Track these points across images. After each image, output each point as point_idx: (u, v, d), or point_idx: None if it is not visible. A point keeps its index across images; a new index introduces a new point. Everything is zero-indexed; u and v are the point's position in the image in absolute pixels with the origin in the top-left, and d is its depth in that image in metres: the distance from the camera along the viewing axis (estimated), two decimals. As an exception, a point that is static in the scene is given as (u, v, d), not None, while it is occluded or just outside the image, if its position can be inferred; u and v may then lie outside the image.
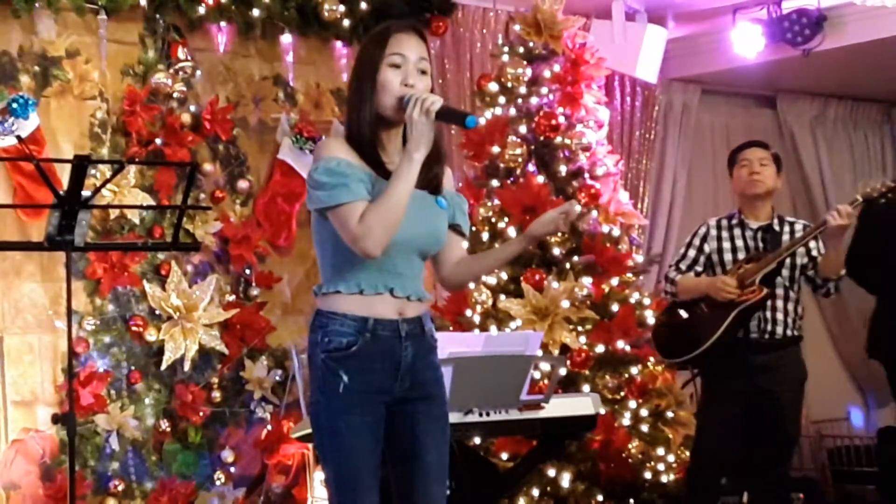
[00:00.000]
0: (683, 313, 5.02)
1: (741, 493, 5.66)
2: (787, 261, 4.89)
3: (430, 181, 3.09)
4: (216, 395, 5.99)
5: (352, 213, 2.93)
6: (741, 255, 4.97)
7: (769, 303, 4.87)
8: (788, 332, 4.94)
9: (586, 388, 5.86)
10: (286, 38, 6.42)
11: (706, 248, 5.07)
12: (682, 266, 5.08)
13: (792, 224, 5.04)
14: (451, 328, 6.03)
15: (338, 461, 3.01)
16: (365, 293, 3.01)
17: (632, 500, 5.81)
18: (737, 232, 5.03)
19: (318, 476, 5.74)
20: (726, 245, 5.03)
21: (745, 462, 5.01)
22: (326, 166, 2.97)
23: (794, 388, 4.96)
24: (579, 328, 6.00)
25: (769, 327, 4.90)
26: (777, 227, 5.00)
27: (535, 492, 5.75)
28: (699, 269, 5.06)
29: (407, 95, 2.98)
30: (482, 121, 6.36)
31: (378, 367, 3.02)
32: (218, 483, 5.92)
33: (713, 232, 5.08)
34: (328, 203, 2.95)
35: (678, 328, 5.07)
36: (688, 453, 5.72)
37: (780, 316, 4.91)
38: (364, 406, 3.00)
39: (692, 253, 5.09)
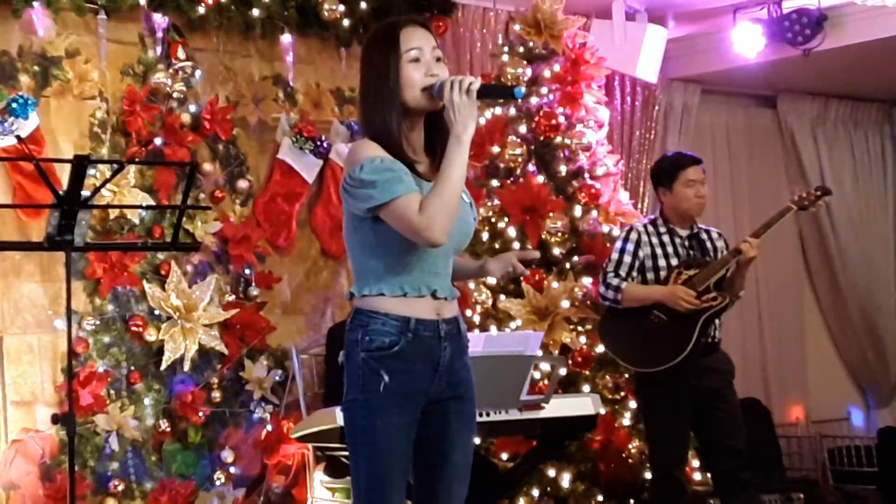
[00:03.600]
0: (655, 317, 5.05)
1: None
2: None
3: None
4: (216, 395, 5.98)
5: (410, 205, 2.90)
6: (673, 262, 5.10)
7: None
8: (719, 335, 5.15)
9: (586, 388, 5.86)
10: (286, 38, 6.41)
11: (640, 253, 5.15)
12: (622, 272, 5.13)
13: (708, 231, 5.25)
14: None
15: (371, 460, 3.00)
16: (408, 296, 3.00)
17: (632, 501, 5.81)
18: (667, 239, 5.15)
19: (317, 476, 5.74)
20: (659, 251, 5.13)
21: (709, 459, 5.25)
22: (371, 165, 2.94)
23: (731, 383, 5.17)
24: (579, 328, 6.00)
25: (713, 332, 5.09)
26: (703, 236, 5.20)
27: (536, 492, 5.75)
28: (634, 274, 5.14)
29: (437, 82, 2.98)
30: (482, 121, 6.36)
31: (418, 367, 3.02)
32: (218, 483, 5.92)
33: (644, 238, 5.16)
34: (382, 199, 2.92)
35: (639, 336, 5.09)
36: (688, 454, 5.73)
37: (717, 321, 5.11)
38: (402, 406, 3.00)
39: (628, 259, 5.15)
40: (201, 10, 6.06)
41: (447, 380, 3.06)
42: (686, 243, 5.14)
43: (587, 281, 6.04)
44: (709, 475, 5.84)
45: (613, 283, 5.10)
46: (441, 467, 3.07)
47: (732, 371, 5.17)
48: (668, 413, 5.02)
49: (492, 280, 6.10)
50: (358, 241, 3.05)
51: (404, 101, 3.00)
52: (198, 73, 6.11)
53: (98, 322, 5.72)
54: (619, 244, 5.23)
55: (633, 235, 5.18)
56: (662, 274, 5.08)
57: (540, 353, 4.70)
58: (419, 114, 3.05)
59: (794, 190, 8.61)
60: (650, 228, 5.19)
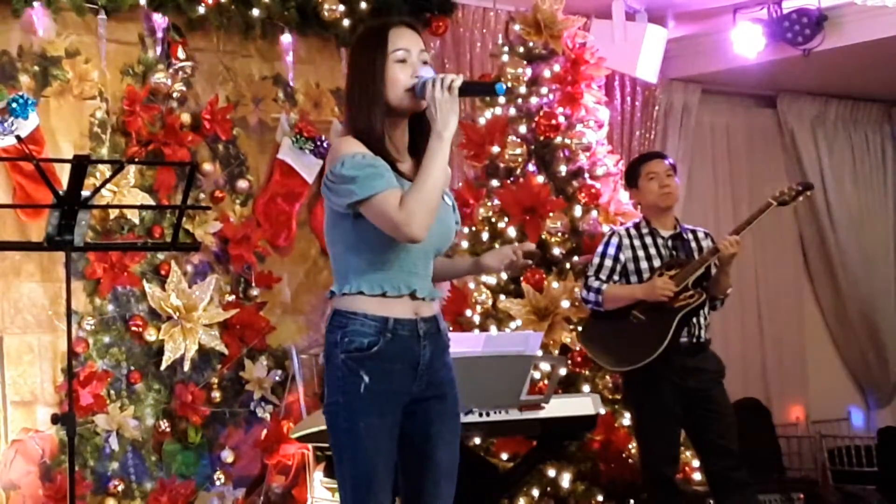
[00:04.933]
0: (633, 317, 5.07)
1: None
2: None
3: None
4: (216, 395, 5.99)
5: (390, 201, 2.91)
6: (656, 263, 5.09)
7: None
8: (707, 335, 5.12)
9: (586, 388, 5.86)
10: (286, 38, 6.41)
11: (622, 257, 5.15)
12: (602, 276, 5.14)
13: (694, 231, 5.23)
14: (451, 328, 6.01)
15: (356, 462, 3.00)
16: (388, 295, 3.00)
17: (632, 501, 5.81)
18: (649, 241, 5.15)
19: (317, 476, 5.74)
20: (641, 253, 5.13)
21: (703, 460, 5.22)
22: (353, 161, 2.95)
23: (720, 383, 5.14)
24: (579, 328, 5.99)
25: (696, 332, 5.06)
26: (685, 235, 5.18)
27: (535, 492, 5.75)
28: (616, 278, 5.13)
29: (420, 81, 3.00)
30: (482, 121, 6.36)
31: (398, 367, 3.02)
32: (218, 483, 5.92)
33: (626, 241, 5.16)
34: (362, 195, 2.92)
35: (618, 337, 5.09)
36: (688, 454, 5.73)
37: (703, 321, 5.09)
38: (384, 407, 3.00)
39: (609, 263, 5.15)
40: (201, 10, 6.06)
41: (428, 379, 3.06)
42: (669, 244, 5.14)
43: (587, 281, 6.05)
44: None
45: (594, 286, 5.11)
46: (426, 467, 3.07)
47: (722, 371, 5.15)
48: (655, 413, 5.03)
49: (492, 280, 6.11)
50: (338, 238, 3.06)
51: (388, 100, 3.02)
52: (198, 73, 6.12)
53: (98, 322, 5.72)
54: (600, 248, 5.23)
55: (614, 239, 5.19)
56: (645, 276, 5.08)
57: (540, 353, 4.70)
58: (402, 114, 3.06)
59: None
60: (632, 231, 5.19)
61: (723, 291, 5.10)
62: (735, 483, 4.99)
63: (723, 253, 4.95)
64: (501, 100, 6.34)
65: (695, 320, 5.04)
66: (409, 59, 3.03)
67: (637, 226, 5.22)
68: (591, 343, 5.27)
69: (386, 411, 3.00)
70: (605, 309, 5.11)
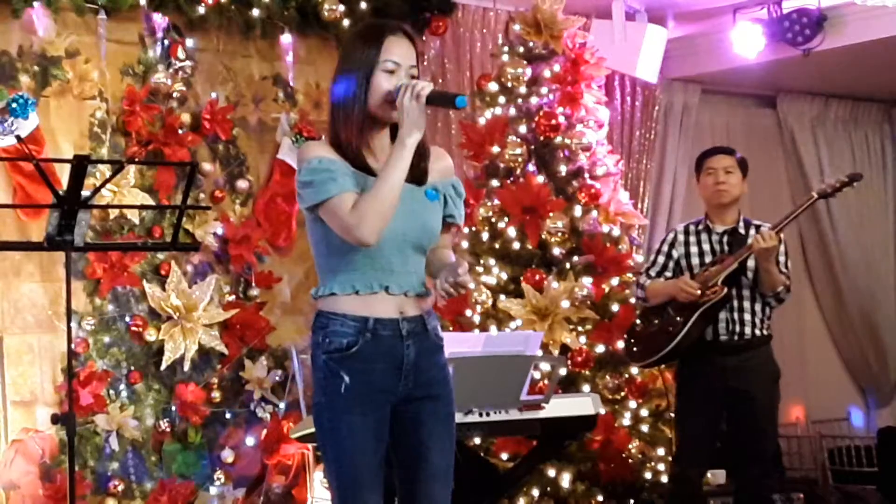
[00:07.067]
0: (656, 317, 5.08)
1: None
2: (752, 262, 4.94)
3: (416, 175, 3.07)
4: (216, 395, 5.99)
5: (343, 204, 2.93)
6: (708, 259, 5.05)
7: (736, 304, 4.95)
8: (758, 332, 5.01)
9: (586, 388, 5.87)
10: (286, 38, 6.42)
11: (674, 253, 5.13)
12: (652, 272, 5.14)
13: (758, 227, 5.06)
14: (451, 328, 6.03)
15: (339, 461, 3.01)
16: (360, 293, 3.01)
17: (632, 501, 5.82)
18: (703, 237, 5.11)
19: (317, 476, 5.74)
20: (693, 249, 5.09)
21: (727, 461, 5.23)
22: (309, 166, 2.99)
23: (769, 387, 5.06)
24: (579, 328, 6.00)
25: (738, 328, 4.97)
26: (742, 230, 5.07)
27: (535, 492, 5.75)
28: (668, 274, 5.11)
29: (396, 86, 3.00)
30: (482, 121, 6.37)
31: (380, 366, 3.01)
32: (218, 483, 5.91)
33: (681, 237, 5.14)
34: (317, 199, 2.96)
35: (649, 331, 5.11)
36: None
37: (747, 317, 4.98)
38: (366, 406, 3.00)
39: (661, 259, 5.15)
40: (201, 10, 6.06)
41: (415, 379, 3.05)
42: (724, 239, 5.05)
43: (587, 281, 6.05)
44: (710, 474, 5.87)
45: (641, 282, 5.15)
46: (419, 468, 3.06)
47: (773, 373, 5.07)
48: (691, 412, 5.02)
49: (492, 280, 6.11)
50: (313, 240, 3.09)
51: (368, 105, 3.03)
52: (198, 73, 6.12)
53: (98, 322, 5.72)
54: (656, 245, 5.28)
55: (669, 236, 5.20)
56: (697, 272, 5.02)
57: (540, 353, 4.70)
58: (381, 121, 3.07)
59: (797, 189, 8.63)
60: (690, 228, 5.16)
61: (770, 289, 4.95)
62: (755, 491, 4.98)
63: (754, 248, 4.85)
64: (501, 99, 6.35)
65: (736, 316, 4.95)
66: (397, 71, 3.03)
67: (697, 222, 5.18)
68: (628, 336, 5.29)
69: (367, 410, 3.00)
70: (651, 304, 5.12)
